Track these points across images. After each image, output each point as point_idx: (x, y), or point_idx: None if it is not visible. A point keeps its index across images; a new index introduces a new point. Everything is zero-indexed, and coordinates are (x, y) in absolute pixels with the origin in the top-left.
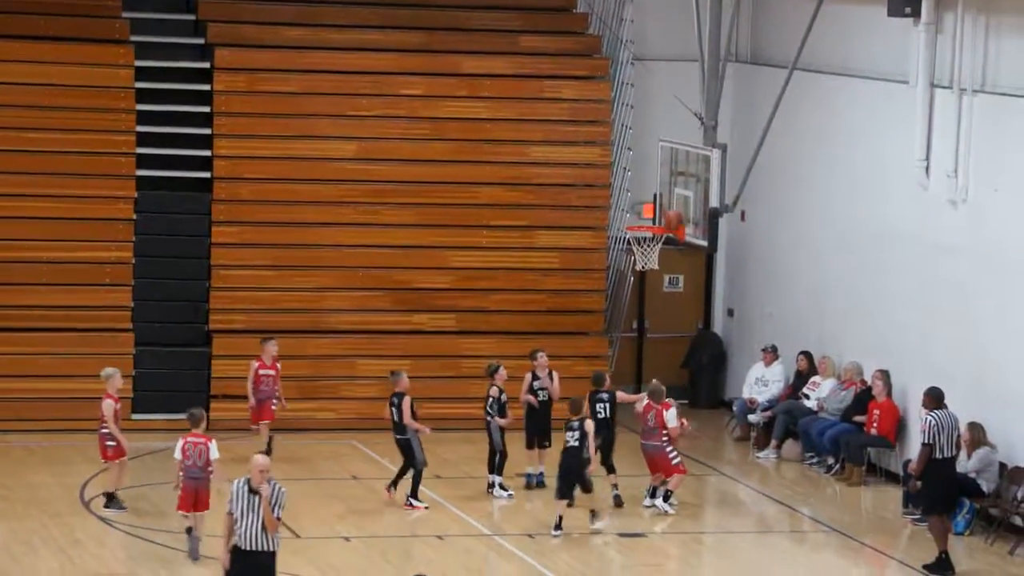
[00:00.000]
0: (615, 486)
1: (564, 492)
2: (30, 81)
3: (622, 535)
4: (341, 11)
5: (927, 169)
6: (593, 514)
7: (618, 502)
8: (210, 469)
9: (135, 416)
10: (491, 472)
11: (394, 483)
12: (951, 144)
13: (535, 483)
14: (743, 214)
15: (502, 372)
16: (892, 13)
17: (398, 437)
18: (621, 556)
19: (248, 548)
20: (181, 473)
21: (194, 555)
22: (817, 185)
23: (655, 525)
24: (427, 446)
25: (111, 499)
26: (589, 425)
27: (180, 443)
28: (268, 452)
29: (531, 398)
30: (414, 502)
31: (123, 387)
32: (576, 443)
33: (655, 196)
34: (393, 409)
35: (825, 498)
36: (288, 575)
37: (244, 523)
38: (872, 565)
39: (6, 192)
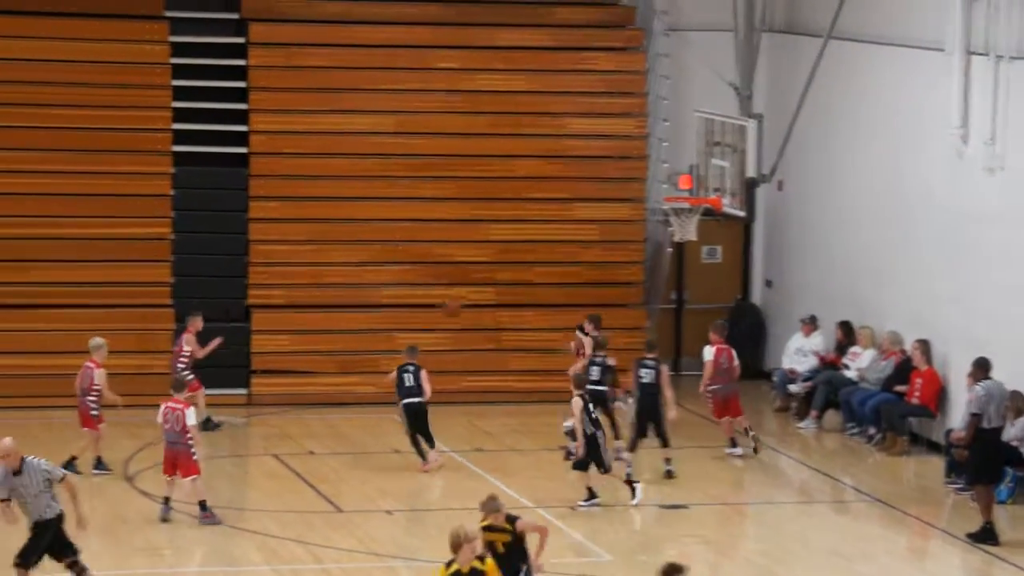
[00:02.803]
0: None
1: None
2: (67, 58)
3: (664, 507)
4: None
5: (964, 137)
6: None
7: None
8: (188, 436)
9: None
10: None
11: (422, 455)
12: (988, 111)
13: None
14: (780, 184)
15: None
16: None
17: (419, 402)
18: (663, 528)
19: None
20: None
21: (164, 516)
22: (854, 154)
23: (695, 497)
24: (468, 419)
25: (100, 462)
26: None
27: (162, 408)
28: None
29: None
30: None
31: (156, 362)
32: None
33: (691, 167)
34: (409, 376)
35: (867, 468)
36: (331, 549)
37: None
38: (916, 535)
39: (44, 169)
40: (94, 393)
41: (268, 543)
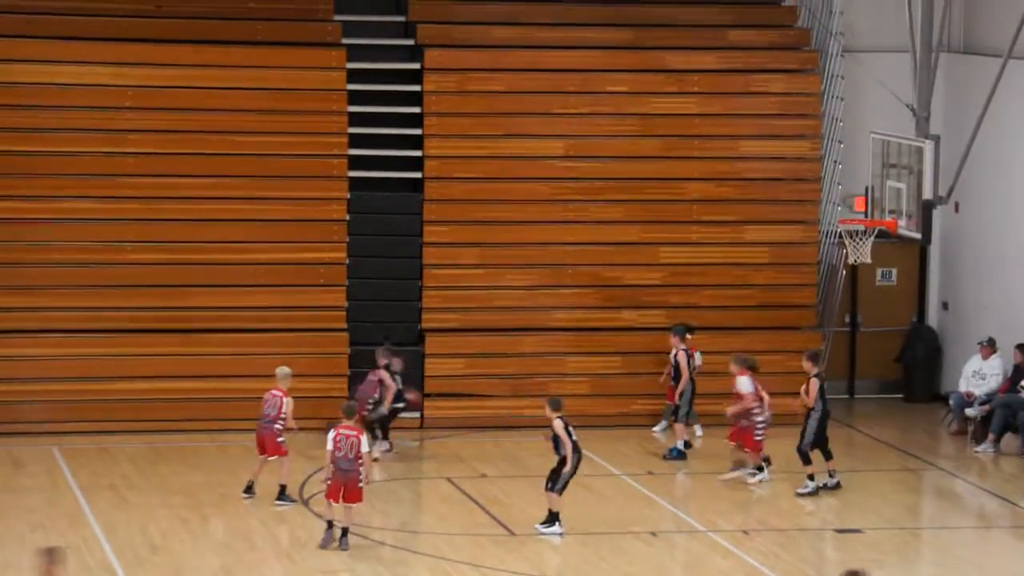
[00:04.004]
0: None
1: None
2: (244, 85)
3: (839, 531)
4: (548, 10)
5: None
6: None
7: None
8: (360, 461)
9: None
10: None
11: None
12: None
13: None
14: (957, 206)
15: None
16: None
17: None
18: (838, 552)
19: None
20: (331, 464)
21: (325, 543)
22: None
23: (870, 521)
24: (638, 442)
25: (283, 492)
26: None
27: (332, 434)
28: None
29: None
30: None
31: (332, 386)
32: None
33: (867, 189)
34: (400, 379)
35: None
36: (504, 571)
37: None
38: None
39: (222, 195)
40: (280, 421)
41: (441, 565)
